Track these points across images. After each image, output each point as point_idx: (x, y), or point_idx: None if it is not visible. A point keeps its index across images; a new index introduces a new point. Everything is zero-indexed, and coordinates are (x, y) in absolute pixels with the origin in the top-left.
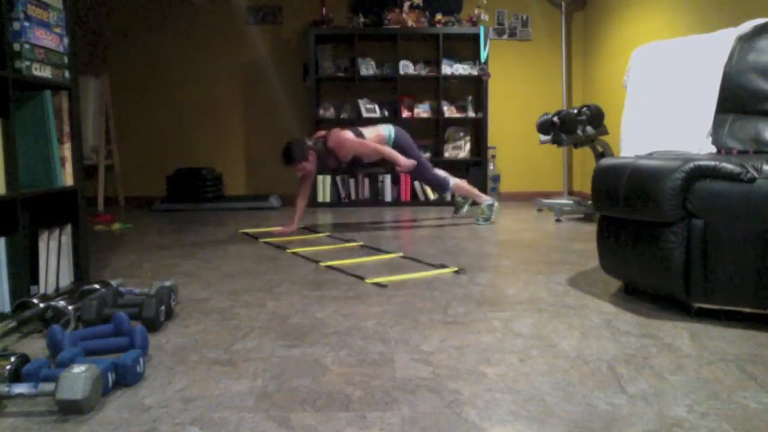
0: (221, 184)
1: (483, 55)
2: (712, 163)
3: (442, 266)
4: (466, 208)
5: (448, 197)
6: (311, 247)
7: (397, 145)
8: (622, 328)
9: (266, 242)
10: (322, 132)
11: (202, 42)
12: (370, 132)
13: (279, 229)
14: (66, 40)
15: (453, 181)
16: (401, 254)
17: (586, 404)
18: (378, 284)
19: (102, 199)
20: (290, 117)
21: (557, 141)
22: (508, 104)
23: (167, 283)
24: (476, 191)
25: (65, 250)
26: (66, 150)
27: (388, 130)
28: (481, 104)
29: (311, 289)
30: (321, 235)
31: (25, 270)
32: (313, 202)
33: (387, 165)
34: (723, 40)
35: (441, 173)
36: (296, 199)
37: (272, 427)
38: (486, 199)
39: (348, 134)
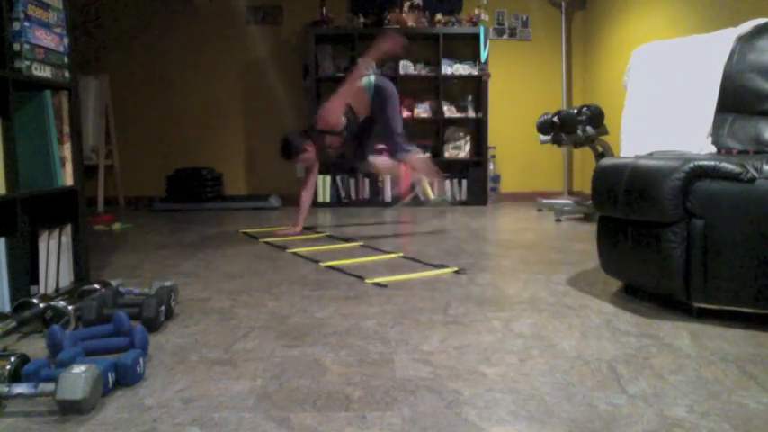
0: (221, 184)
1: (483, 55)
2: (712, 163)
3: (442, 266)
4: (433, 197)
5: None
6: (311, 247)
7: (378, 94)
8: (622, 328)
9: (266, 242)
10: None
11: (202, 42)
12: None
13: (283, 229)
14: (66, 40)
15: (419, 155)
16: (401, 254)
17: (586, 404)
18: (378, 284)
19: (102, 199)
20: (290, 117)
21: (557, 141)
22: (508, 104)
23: (167, 283)
24: (433, 176)
25: (65, 250)
26: (67, 150)
27: (366, 79)
28: (481, 104)
29: (311, 289)
30: (321, 235)
31: (25, 270)
32: (313, 202)
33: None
34: (723, 40)
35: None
36: (300, 194)
37: (272, 427)
38: (440, 186)
39: (327, 105)
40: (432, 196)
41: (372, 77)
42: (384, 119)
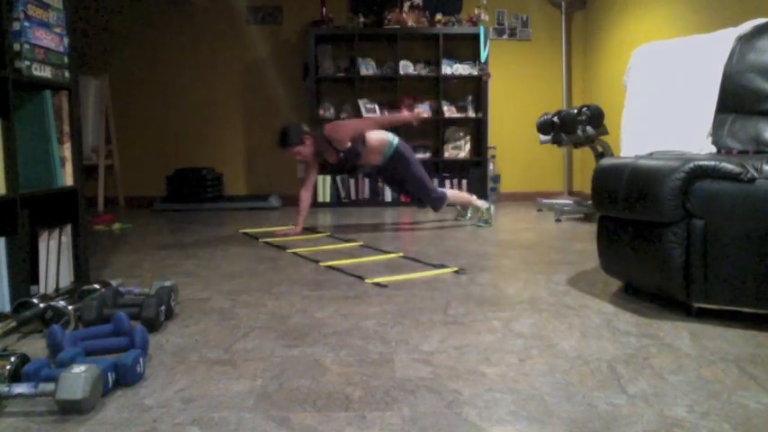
0: (221, 184)
1: (483, 55)
2: (712, 163)
3: (442, 266)
4: (469, 213)
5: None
6: (311, 247)
7: (398, 155)
8: (622, 328)
9: (266, 242)
10: None
11: (202, 42)
12: (373, 133)
13: (283, 229)
14: (66, 40)
15: (449, 193)
16: (401, 254)
17: (586, 404)
18: (378, 284)
19: (102, 199)
20: (290, 117)
21: (557, 141)
22: (508, 104)
23: (167, 283)
24: (471, 197)
25: (65, 250)
26: (67, 150)
27: (392, 138)
28: (481, 104)
29: (311, 289)
30: (321, 235)
31: (25, 270)
32: (313, 202)
33: (387, 172)
34: (723, 40)
35: (438, 188)
36: (300, 194)
37: (272, 427)
38: (483, 203)
39: (345, 121)
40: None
41: (396, 139)
42: (413, 179)
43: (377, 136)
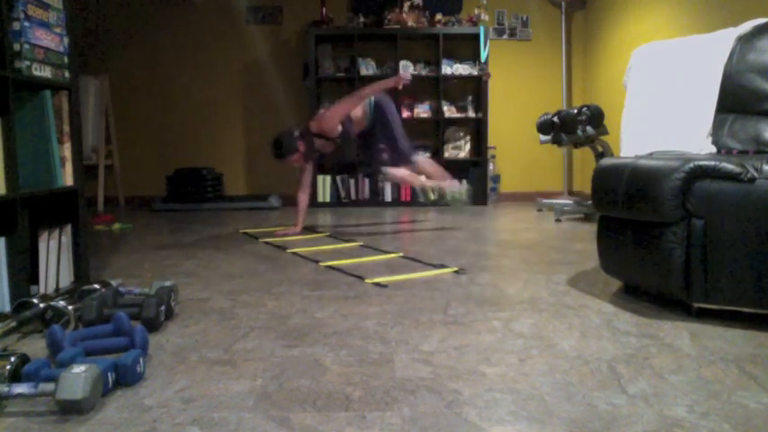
0: (221, 184)
1: (483, 55)
2: (712, 163)
3: (442, 266)
4: (431, 196)
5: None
6: (311, 247)
7: (378, 111)
8: (622, 328)
9: (266, 242)
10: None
11: (202, 42)
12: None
13: (282, 230)
14: (66, 40)
15: (420, 158)
16: (401, 254)
17: (586, 404)
18: (378, 284)
19: (102, 199)
20: (290, 117)
21: (557, 141)
22: (508, 104)
23: (167, 283)
24: (444, 179)
25: (65, 250)
26: (67, 150)
27: (366, 100)
28: (481, 104)
29: (311, 289)
30: (321, 235)
31: (25, 270)
32: (313, 202)
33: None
34: (723, 40)
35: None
36: (297, 195)
37: (272, 427)
38: (455, 184)
39: (328, 111)
40: (432, 197)
41: (372, 97)
42: (388, 134)
43: (356, 113)
